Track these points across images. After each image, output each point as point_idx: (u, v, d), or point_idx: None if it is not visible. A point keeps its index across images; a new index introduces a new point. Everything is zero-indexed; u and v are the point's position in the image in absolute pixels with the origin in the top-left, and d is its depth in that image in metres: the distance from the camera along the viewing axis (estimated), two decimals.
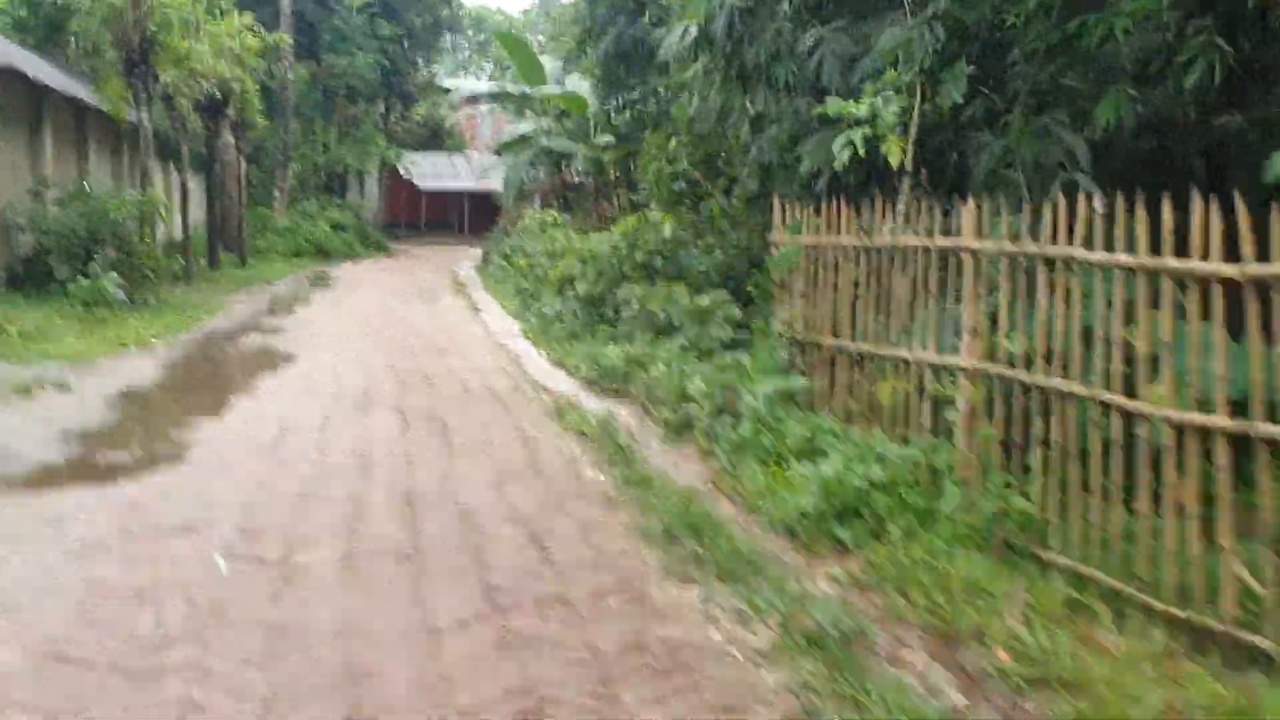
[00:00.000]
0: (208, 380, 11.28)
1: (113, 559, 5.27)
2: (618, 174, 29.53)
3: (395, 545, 5.47)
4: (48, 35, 21.81)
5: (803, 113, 10.13)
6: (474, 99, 52.51)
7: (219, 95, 22.59)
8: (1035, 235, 5.74)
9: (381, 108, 43.45)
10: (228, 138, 25.67)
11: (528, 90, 32.73)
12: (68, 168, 19.35)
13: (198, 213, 25.73)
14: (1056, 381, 5.47)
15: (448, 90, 50.25)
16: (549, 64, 32.72)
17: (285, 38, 26.33)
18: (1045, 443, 5.63)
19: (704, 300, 11.53)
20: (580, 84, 30.58)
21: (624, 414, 9.52)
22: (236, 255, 26.60)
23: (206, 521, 5.91)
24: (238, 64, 22.47)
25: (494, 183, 51.01)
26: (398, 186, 46.96)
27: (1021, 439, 5.84)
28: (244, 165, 27.01)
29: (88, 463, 7.39)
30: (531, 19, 64.97)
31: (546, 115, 31.99)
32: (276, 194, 34.21)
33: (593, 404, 9.99)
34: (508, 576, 5.02)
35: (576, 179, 34.08)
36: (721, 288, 12.85)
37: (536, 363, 12.63)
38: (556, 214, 24.86)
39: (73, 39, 20.87)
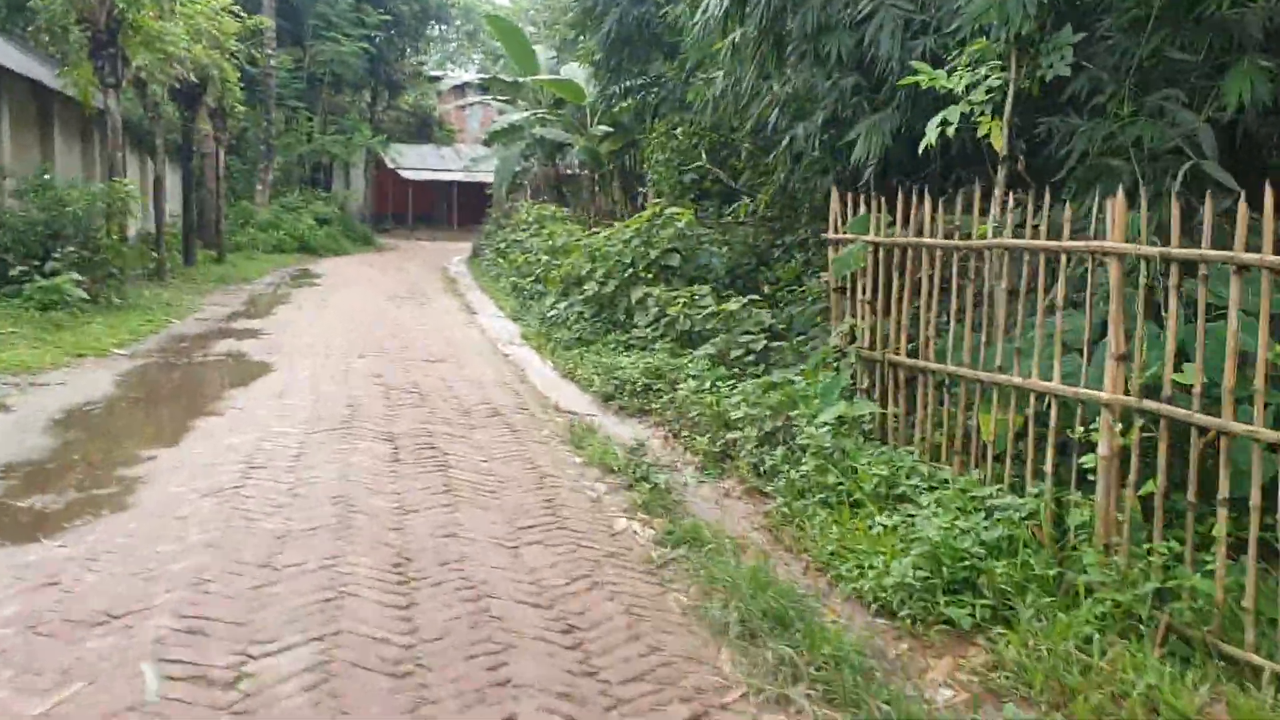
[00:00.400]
0: (169, 397, 9.85)
1: (5, 670, 3.88)
2: (615, 165, 28.18)
3: (386, 649, 4.08)
4: (9, 15, 20.24)
5: (848, 93, 8.80)
6: (461, 88, 51.09)
7: (196, 81, 21.07)
8: (1227, 238, 4.40)
9: (368, 97, 41.87)
10: (206, 126, 24.12)
11: (520, 79, 31.28)
12: (29, 156, 17.82)
13: (174, 206, 24.21)
14: (1259, 429, 4.13)
15: (436, 79, 48.75)
16: (542, 53, 31.28)
17: (267, 20, 24.79)
18: (1234, 504, 4.31)
19: (732, 305, 10.17)
20: (576, 72, 29.16)
21: (650, 439, 8.16)
22: (214, 251, 25.07)
23: (141, 604, 4.51)
24: (216, 47, 20.93)
25: (483, 174, 49.69)
26: (384, 178, 45.45)
27: (1196, 496, 4.50)
28: (223, 156, 25.45)
29: (7, 511, 5.97)
30: (522, 7, 63.30)
31: (540, 105, 30.52)
32: (258, 186, 32.66)
33: (613, 425, 8.63)
34: (540, 705, 3.64)
35: (570, 171, 32.67)
36: (731, 289, 11.55)
37: (543, 374, 11.24)
38: (556, 207, 23.39)
39: (37, 19, 19.28)
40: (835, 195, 7.37)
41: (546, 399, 9.78)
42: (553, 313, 13.60)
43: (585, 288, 12.85)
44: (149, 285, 18.80)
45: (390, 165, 44.02)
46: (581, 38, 33.22)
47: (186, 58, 19.63)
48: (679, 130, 15.83)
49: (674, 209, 12.73)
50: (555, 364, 11.61)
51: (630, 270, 12.42)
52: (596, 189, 30.04)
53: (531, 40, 32.67)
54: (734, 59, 10.11)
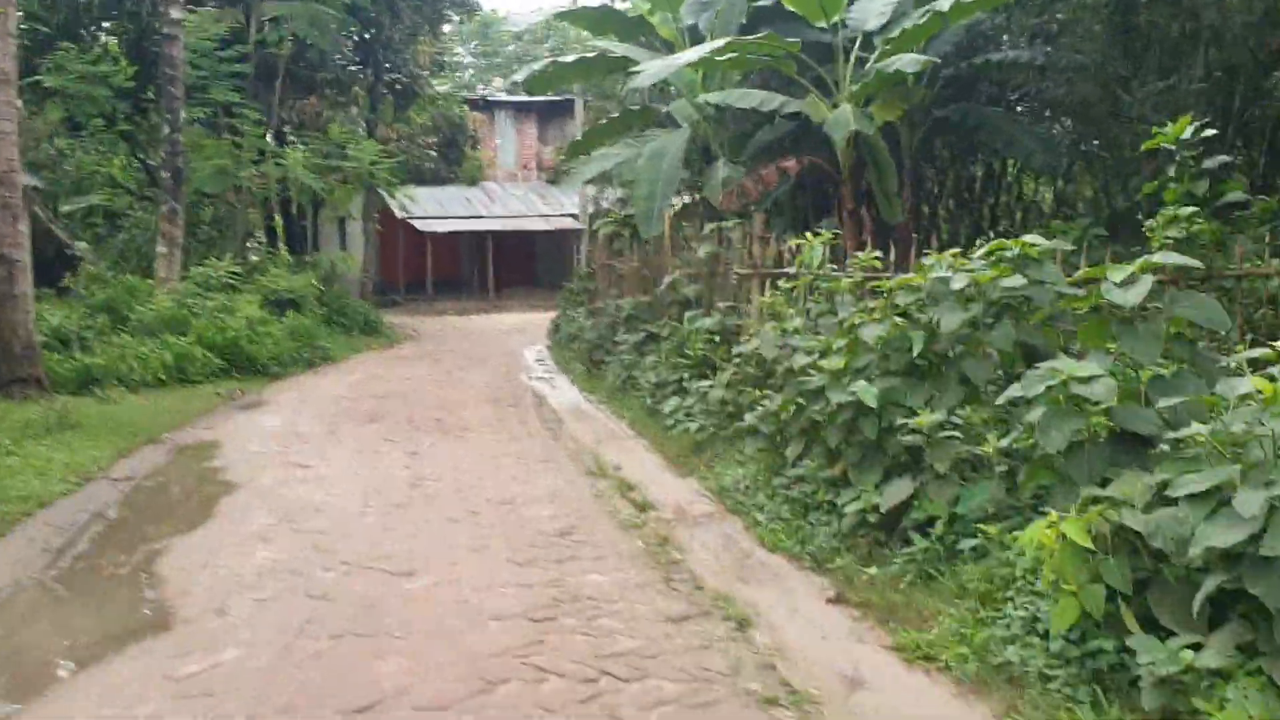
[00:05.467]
0: None
1: None
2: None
3: None
4: None
5: None
6: (487, 107, 34.85)
7: None
8: None
9: (360, 104, 25.23)
10: None
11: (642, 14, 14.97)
12: None
13: None
14: None
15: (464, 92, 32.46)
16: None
17: None
18: None
19: None
20: None
21: None
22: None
23: None
24: None
25: (527, 221, 33.43)
26: (391, 231, 28.92)
27: None
28: (16, 167, 8.87)
29: None
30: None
31: (688, 47, 14.24)
32: (160, 247, 16.02)
33: None
34: None
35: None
36: None
37: None
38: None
39: None
40: None
41: None
42: None
43: None
44: None
45: (400, 214, 27.56)
46: None
47: None
48: None
49: None
50: None
51: None
52: (870, 210, 13.34)
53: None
54: None
